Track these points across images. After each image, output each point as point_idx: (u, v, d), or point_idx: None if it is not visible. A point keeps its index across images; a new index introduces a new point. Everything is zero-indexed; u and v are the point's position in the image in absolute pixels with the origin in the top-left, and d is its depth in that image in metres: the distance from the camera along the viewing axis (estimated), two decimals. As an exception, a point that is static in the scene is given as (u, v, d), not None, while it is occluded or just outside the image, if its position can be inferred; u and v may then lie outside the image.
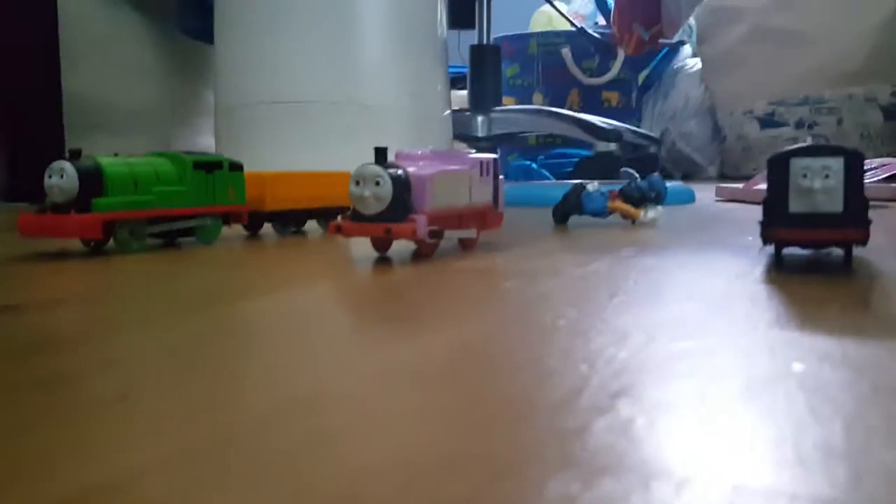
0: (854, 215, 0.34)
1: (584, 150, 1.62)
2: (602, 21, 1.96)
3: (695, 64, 2.14)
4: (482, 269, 0.38)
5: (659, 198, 0.63)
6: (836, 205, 0.35)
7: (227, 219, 0.52)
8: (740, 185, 1.02)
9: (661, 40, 1.75)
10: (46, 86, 1.07)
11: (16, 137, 1.09)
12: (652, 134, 1.81)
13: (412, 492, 0.12)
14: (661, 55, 2.12)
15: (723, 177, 2.08)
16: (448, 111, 1.07)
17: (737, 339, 0.22)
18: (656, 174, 0.65)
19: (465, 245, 0.46)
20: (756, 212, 0.36)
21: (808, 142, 0.38)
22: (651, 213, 0.61)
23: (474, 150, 0.47)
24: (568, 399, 0.17)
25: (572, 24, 1.82)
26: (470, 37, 1.42)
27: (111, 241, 0.46)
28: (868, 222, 0.35)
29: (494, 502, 0.12)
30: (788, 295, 0.29)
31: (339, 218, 0.40)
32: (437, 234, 0.41)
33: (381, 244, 0.44)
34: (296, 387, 0.18)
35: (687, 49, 2.19)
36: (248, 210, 0.54)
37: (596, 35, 1.86)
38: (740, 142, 2.02)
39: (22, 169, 1.09)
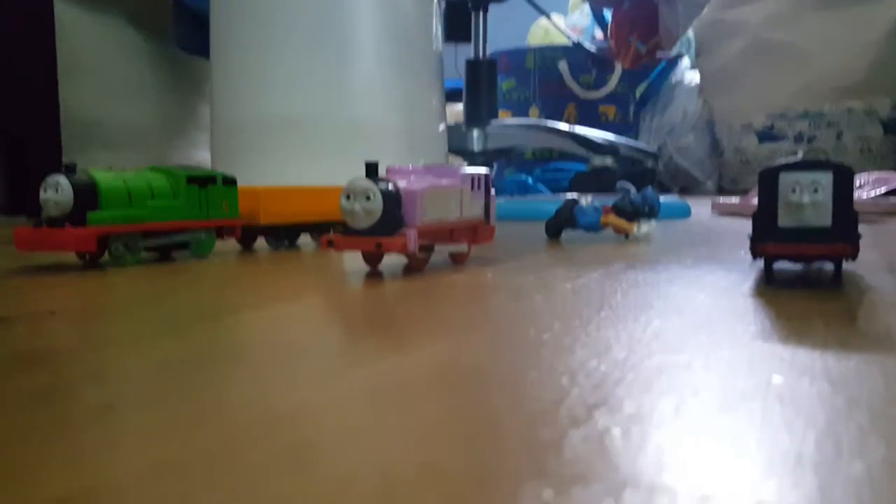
0: (843, 230, 0.35)
1: (580, 164, 1.62)
2: (599, 35, 1.98)
3: (693, 77, 2.15)
4: (472, 284, 0.38)
5: (652, 212, 0.63)
6: (824, 219, 0.35)
7: (221, 233, 0.53)
8: (737, 200, 1.02)
9: (658, 54, 1.76)
10: (44, 101, 1.07)
11: (14, 152, 1.09)
12: (649, 148, 1.82)
13: (389, 499, 0.12)
14: (658, 69, 2.13)
15: (721, 191, 2.09)
16: (443, 125, 1.08)
17: (718, 352, 0.22)
18: (650, 188, 0.65)
19: (457, 259, 0.46)
20: (750, 226, 0.36)
21: (799, 156, 0.38)
22: (644, 227, 0.62)
23: (467, 165, 0.47)
24: (546, 410, 0.17)
25: (569, 37, 1.84)
26: (466, 51, 1.43)
27: (106, 255, 0.46)
28: (857, 237, 0.35)
29: (464, 512, 0.12)
30: (775, 309, 0.30)
31: (331, 232, 0.41)
32: (427, 249, 0.41)
33: (373, 258, 0.44)
34: (279, 401, 0.18)
35: (685, 62, 2.20)
36: (242, 224, 0.54)
37: (593, 49, 1.87)
38: (738, 155, 2.03)
39: (20, 183, 1.10)
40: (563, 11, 2.28)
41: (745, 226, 0.77)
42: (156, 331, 0.27)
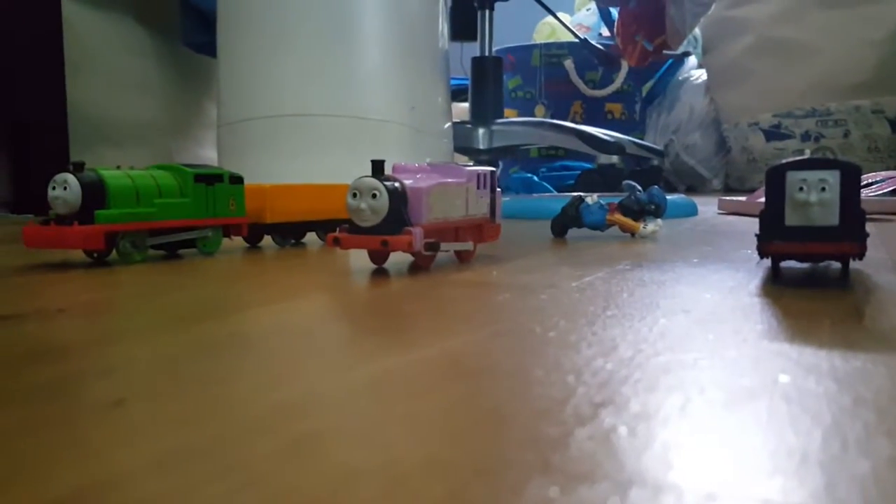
0: (850, 229, 0.35)
1: (586, 162, 1.62)
2: (606, 32, 1.97)
3: (700, 75, 2.14)
4: (478, 282, 0.38)
5: (658, 211, 0.63)
6: (832, 218, 0.35)
7: (228, 231, 0.53)
8: (743, 198, 1.02)
9: (665, 51, 1.76)
10: (51, 98, 1.08)
11: (22, 150, 1.10)
12: (656, 146, 1.81)
13: (395, 493, 0.12)
14: (665, 67, 2.13)
15: (728, 189, 2.08)
16: (449, 124, 1.08)
17: (724, 351, 0.22)
18: (656, 187, 0.65)
19: (462, 257, 0.46)
20: (757, 225, 0.36)
21: (807, 155, 0.38)
22: (650, 225, 0.61)
23: (472, 163, 0.47)
24: (552, 408, 0.17)
25: (576, 35, 1.83)
26: (472, 49, 1.42)
27: (113, 253, 0.47)
28: (865, 236, 0.35)
29: (473, 503, 0.12)
30: (781, 308, 0.30)
31: (337, 230, 0.41)
32: (433, 247, 0.41)
33: (379, 256, 0.44)
34: (286, 393, 0.18)
35: (692, 60, 2.19)
36: (249, 222, 0.54)
37: (599, 46, 1.87)
38: (745, 154, 2.02)
39: (28, 181, 1.10)
40: (570, 9, 2.27)
41: (752, 224, 0.76)
42: (163, 326, 0.27)
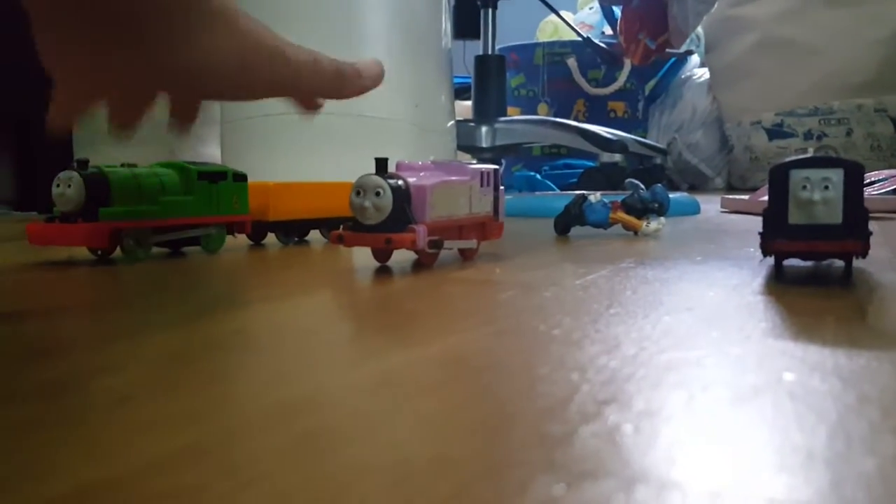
0: (854, 227, 0.35)
1: (589, 160, 1.62)
2: (608, 31, 1.97)
3: (702, 74, 2.14)
4: (482, 280, 0.38)
5: (662, 209, 0.63)
6: (835, 216, 0.35)
7: (231, 229, 0.53)
8: (746, 197, 1.02)
9: (668, 50, 1.76)
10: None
11: (25, 148, 1.10)
12: (658, 145, 1.81)
13: (402, 490, 0.12)
14: (668, 65, 2.12)
15: (730, 188, 2.08)
16: (452, 122, 1.08)
17: (729, 349, 0.22)
18: (660, 185, 0.65)
19: (466, 255, 0.46)
20: (760, 223, 0.36)
21: (810, 153, 0.38)
22: (653, 224, 0.61)
23: (476, 161, 0.47)
24: (557, 406, 0.17)
25: (578, 34, 1.83)
26: (475, 47, 1.42)
27: (117, 250, 0.47)
28: (868, 234, 0.35)
29: (479, 501, 0.12)
30: (785, 306, 0.30)
31: (340, 228, 0.41)
32: (436, 245, 0.41)
33: (382, 254, 0.44)
34: (292, 390, 0.18)
35: (695, 59, 2.19)
36: (252, 220, 0.54)
37: (602, 45, 1.87)
38: (748, 153, 2.02)
39: (32, 179, 1.10)
40: (573, 8, 2.27)
41: (755, 223, 0.76)
42: (168, 324, 0.27)
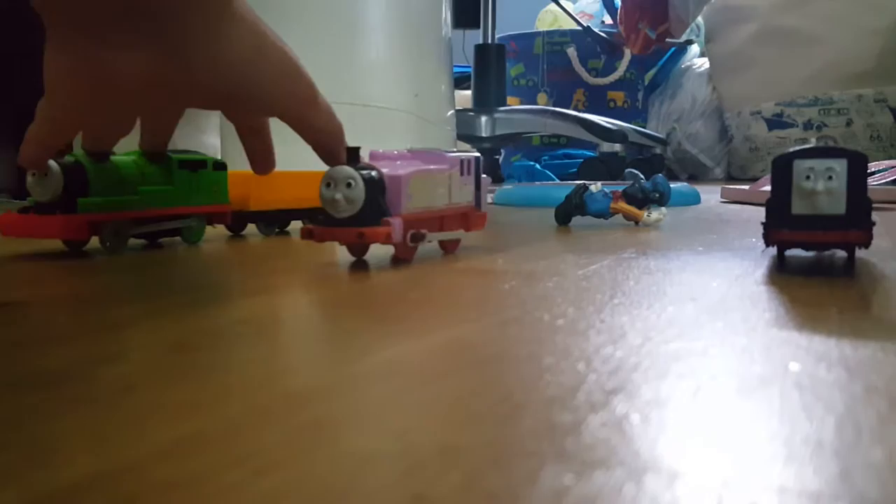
0: (857, 217, 0.35)
1: (588, 150, 1.62)
2: (608, 20, 1.96)
3: (702, 64, 2.13)
4: (483, 270, 0.38)
5: (662, 199, 0.63)
6: (838, 207, 0.35)
7: (211, 219, 0.51)
8: (746, 187, 1.02)
9: (668, 39, 1.75)
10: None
11: (22, 135, 1.09)
12: (658, 134, 1.81)
13: (411, 480, 0.12)
14: (668, 55, 2.12)
15: (730, 178, 2.08)
16: (452, 111, 1.07)
17: (734, 339, 0.22)
18: (660, 175, 0.65)
19: (447, 248, 0.44)
20: (760, 213, 0.36)
21: (813, 143, 0.38)
22: (654, 214, 0.61)
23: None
24: (564, 395, 0.17)
25: (578, 23, 1.82)
26: (475, 36, 1.42)
27: (93, 241, 0.44)
28: (871, 224, 0.35)
29: (489, 491, 0.12)
30: (789, 296, 0.29)
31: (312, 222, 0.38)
32: (417, 238, 0.39)
33: (358, 248, 0.41)
34: (296, 380, 0.18)
35: (695, 48, 2.18)
36: (232, 210, 0.52)
37: (602, 34, 1.86)
38: (748, 143, 2.02)
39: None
40: (572, -4, 2.26)
41: (755, 213, 0.76)
42: (168, 313, 0.27)
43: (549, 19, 2.17)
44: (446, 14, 1.04)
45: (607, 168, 1.40)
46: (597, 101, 1.93)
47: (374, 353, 0.21)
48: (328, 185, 0.37)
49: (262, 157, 0.46)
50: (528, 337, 0.23)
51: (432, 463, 0.13)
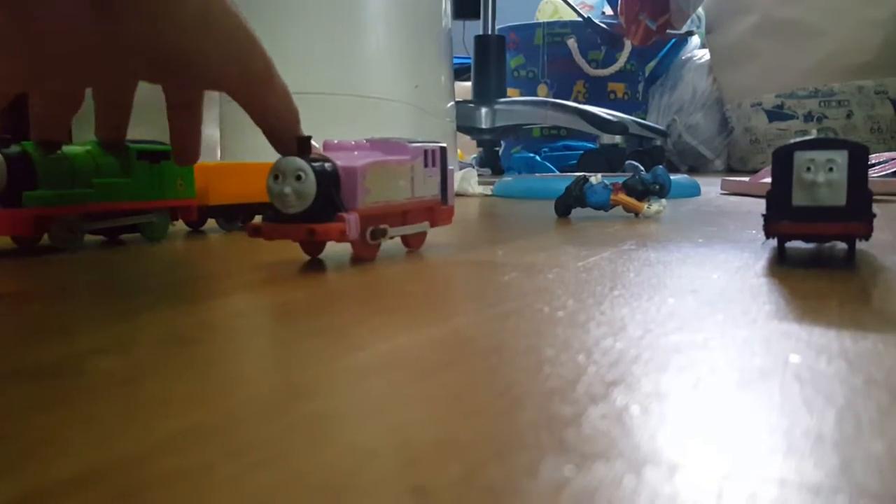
0: (857, 209, 0.34)
1: (588, 142, 1.61)
2: (609, 11, 1.96)
3: (703, 55, 2.13)
4: (483, 262, 0.38)
5: (663, 191, 0.63)
6: (839, 198, 0.35)
7: (175, 215, 0.48)
8: (746, 179, 1.02)
9: (668, 31, 1.74)
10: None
11: (21, 127, 1.09)
12: (658, 126, 1.80)
13: (410, 473, 0.12)
14: (668, 46, 2.11)
15: (730, 170, 2.08)
16: (452, 103, 1.07)
17: (734, 331, 0.22)
18: (660, 167, 0.65)
19: (411, 244, 0.41)
20: (761, 205, 0.36)
21: (813, 135, 0.38)
22: (654, 206, 0.61)
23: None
24: (564, 387, 0.17)
25: (579, 14, 1.81)
26: (475, 27, 1.41)
27: (45, 238, 0.42)
28: (872, 216, 0.35)
29: (489, 484, 0.12)
30: (789, 289, 0.29)
31: (261, 218, 0.36)
32: (378, 234, 0.36)
33: (311, 247, 0.38)
34: (294, 373, 0.18)
35: (695, 40, 2.17)
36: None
37: (602, 25, 1.85)
38: (748, 135, 2.02)
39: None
40: (573, -13, 2.25)
41: (756, 205, 0.76)
42: (161, 307, 0.27)
43: (550, 10, 2.16)
44: (446, 5, 1.03)
45: (607, 160, 1.39)
46: (597, 92, 1.93)
47: (372, 345, 0.21)
48: (276, 177, 0.34)
49: (185, 142, 0.42)
50: (528, 329, 0.23)
51: (431, 456, 0.13)
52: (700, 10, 2.06)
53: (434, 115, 1.00)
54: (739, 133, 2.04)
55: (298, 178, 0.34)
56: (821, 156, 0.35)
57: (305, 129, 0.40)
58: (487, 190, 0.99)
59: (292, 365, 0.19)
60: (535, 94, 1.93)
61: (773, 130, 1.94)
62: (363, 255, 0.37)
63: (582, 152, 1.54)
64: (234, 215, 0.53)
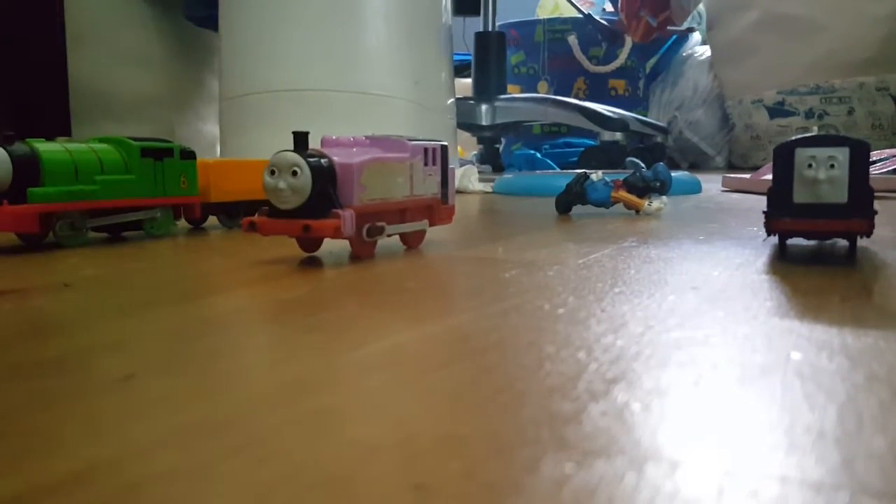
0: (859, 206, 0.34)
1: (589, 139, 1.61)
2: (609, 8, 1.95)
3: (704, 51, 2.12)
4: (484, 258, 0.38)
5: (663, 188, 0.63)
6: (840, 195, 0.35)
7: (179, 212, 0.48)
8: (747, 176, 1.01)
9: (669, 27, 1.74)
10: (52, 73, 1.07)
11: (22, 124, 1.09)
12: (659, 123, 1.80)
13: (412, 469, 0.12)
14: (669, 43, 2.11)
15: (731, 167, 2.07)
16: (452, 99, 1.07)
17: (735, 328, 0.22)
18: (661, 164, 0.65)
19: (409, 243, 0.41)
20: (762, 202, 0.36)
21: (815, 132, 0.38)
22: (655, 203, 0.61)
23: (422, 138, 0.41)
24: (564, 384, 0.17)
25: (579, 10, 1.81)
26: (475, 24, 1.41)
27: (50, 235, 0.42)
28: (873, 213, 0.35)
29: (490, 479, 0.12)
30: (790, 285, 0.29)
31: (257, 213, 0.36)
32: (375, 232, 0.36)
33: (307, 243, 0.38)
34: (298, 368, 0.18)
35: (696, 36, 2.17)
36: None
37: (603, 22, 1.85)
38: (748, 131, 2.01)
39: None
40: (573, -17, 2.24)
41: (756, 202, 0.76)
42: (163, 303, 0.27)
43: (550, 6, 2.15)
44: (446, 1, 1.03)
45: (608, 157, 1.39)
46: (598, 89, 1.93)
47: (372, 341, 0.21)
48: (272, 172, 0.34)
49: None
50: (529, 326, 0.23)
51: (432, 452, 0.13)
52: (701, 6, 2.06)
53: (434, 112, 1.00)
54: (740, 130, 2.04)
55: (294, 173, 0.34)
56: (822, 152, 0.35)
57: (307, 126, 0.40)
58: (488, 187, 0.99)
59: (293, 361, 0.19)
60: (536, 91, 1.93)
61: (774, 127, 1.94)
62: (360, 253, 0.37)
63: (583, 149, 1.54)
64: (236, 212, 0.53)
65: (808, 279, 0.31)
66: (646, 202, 0.61)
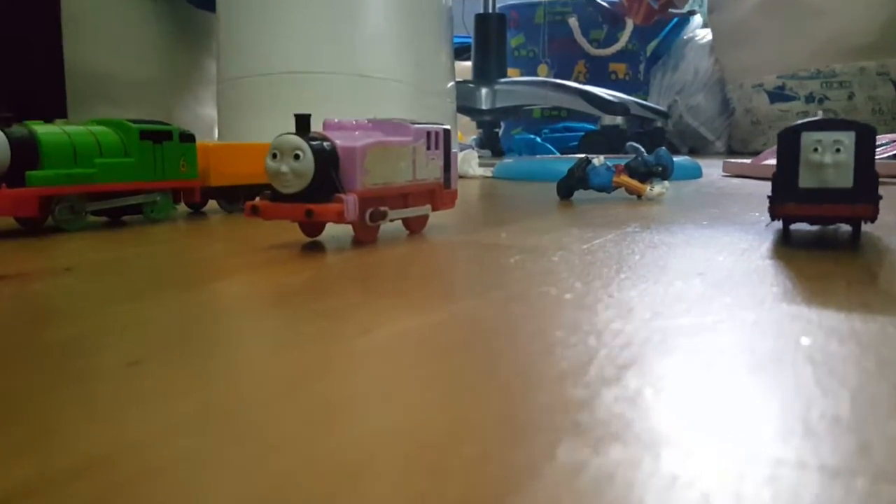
0: (864, 191, 0.34)
1: (589, 123, 1.60)
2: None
3: (705, 35, 2.11)
4: (487, 244, 0.38)
5: (665, 173, 0.62)
6: (846, 180, 0.35)
7: (178, 195, 0.48)
8: (748, 161, 1.01)
9: (670, 10, 1.73)
10: (49, 56, 1.06)
11: (19, 108, 1.08)
12: (659, 107, 1.79)
13: (425, 455, 0.12)
14: (670, 25, 2.09)
15: (731, 152, 2.07)
16: (452, 83, 1.06)
17: (743, 314, 0.22)
18: (663, 148, 0.64)
19: (412, 227, 0.41)
20: (763, 187, 0.36)
21: (819, 116, 0.38)
22: (657, 188, 0.61)
23: (425, 121, 0.41)
24: (576, 370, 0.17)
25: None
26: (475, 5, 1.40)
27: (49, 219, 0.42)
28: (878, 198, 0.34)
29: (505, 466, 0.12)
30: (795, 271, 0.29)
31: (258, 197, 0.35)
32: (378, 216, 0.36)
33: (310, 228, 0.38)
34: (304, 355, 0.18)
35: (697, 19, 2.16)
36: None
37: (604, 4, 1.83)
38: (749, 116, 2.01)
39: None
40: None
41: (758, 187, 0.76)
42: (164, 288, 0.27)
43: (550, -11, 2.14)
44: (447, -17, 1.02)
45: (608, 141, 1.39)
46: (598, 72, 1.92)
47: (377, 328, 0.21)
48: (274, 156, 0.34)
49: None
50: (536, 312, 0.22)
51: (446, 439, 0.13)
52: (702, -11, 2.04)
53: (434, 95, 1.00)
54: (740, 114, 2.03)
55: (296, 156, 0.33)
56: (828, 136, 0.34)
57: (305, 108, 0.39)
58: (488, 172, 0.99)
59: (298, 347, 0.19)
60: (536, 75, 1.92)
61: (775, 112, 1.93)
62: (363, 238, 0.37)
63: (583, 133, 1.53)
64: (236, 196, 0.53)
65: (812, 264, 0.31)
66: (648, 187, 0.61)
